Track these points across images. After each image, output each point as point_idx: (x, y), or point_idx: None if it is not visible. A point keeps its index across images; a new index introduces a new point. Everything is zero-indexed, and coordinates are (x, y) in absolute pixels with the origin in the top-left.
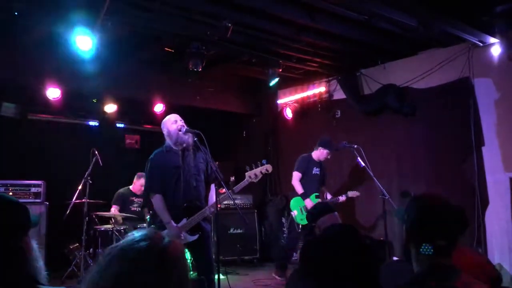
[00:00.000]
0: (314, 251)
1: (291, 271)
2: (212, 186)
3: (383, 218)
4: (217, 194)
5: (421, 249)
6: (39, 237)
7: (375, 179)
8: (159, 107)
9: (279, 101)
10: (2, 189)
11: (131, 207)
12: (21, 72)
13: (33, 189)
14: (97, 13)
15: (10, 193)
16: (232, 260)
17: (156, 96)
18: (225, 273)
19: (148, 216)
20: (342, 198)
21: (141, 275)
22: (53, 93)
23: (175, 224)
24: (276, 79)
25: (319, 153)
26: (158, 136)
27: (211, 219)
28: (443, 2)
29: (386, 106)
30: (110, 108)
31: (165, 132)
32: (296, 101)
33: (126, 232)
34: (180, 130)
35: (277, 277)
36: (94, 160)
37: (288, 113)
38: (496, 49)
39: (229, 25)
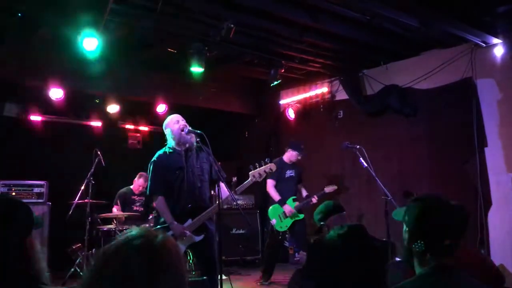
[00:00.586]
0: (320, 252)
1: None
2: (221, 184)
3: (385, 218)
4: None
5: (413, 245)
6: (42, 237)
7: (377, 180)
8: (161, 108)
9: (281, 102)
10: (5, 189)
11: (133, 206)
12: (24, 73)
13: (36, 190)
14: (101, 14)
15: (13, 193)
16: (234, 260)
17: (159, 97)
18: (227, 274)
19: (151, 217)
20: (314, 199)
21: (135, 273)
22: (56, 93)
23: (179, 224)
24: (278, 81)
25: (289, 155)
26: (160, 137)
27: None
28: (445, 3)
29: (388, 107)
30: (113, 108)
31: (167, 132)
32: (299, 102)
33: None
34: (182, 130)
35: (260, 283)
36: (96, 160)
37: (290, 114)
38: (498, 50)
39: (232, 26)
